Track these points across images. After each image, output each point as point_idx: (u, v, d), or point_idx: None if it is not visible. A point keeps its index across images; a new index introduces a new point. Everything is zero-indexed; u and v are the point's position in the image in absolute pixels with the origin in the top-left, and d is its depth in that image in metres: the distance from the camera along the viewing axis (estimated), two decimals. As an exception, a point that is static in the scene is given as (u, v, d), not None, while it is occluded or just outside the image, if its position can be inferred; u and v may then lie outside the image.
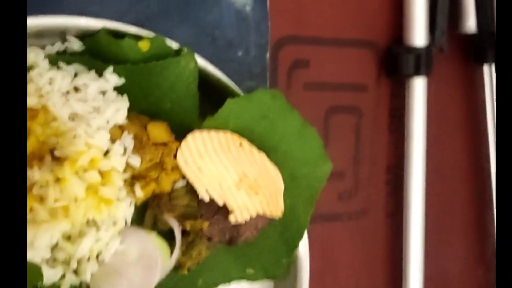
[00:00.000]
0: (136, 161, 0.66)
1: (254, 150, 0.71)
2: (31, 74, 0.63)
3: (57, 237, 0.63)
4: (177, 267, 0.72)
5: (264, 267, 0.77)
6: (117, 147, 0.65)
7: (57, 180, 0.62)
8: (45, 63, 0.64)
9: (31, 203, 0.61)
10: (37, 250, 0.63)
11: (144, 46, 0.66)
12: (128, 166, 0.66)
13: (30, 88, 0.63)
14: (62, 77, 0.64)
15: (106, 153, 0.64)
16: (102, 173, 0.64)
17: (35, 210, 0.62)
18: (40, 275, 0.61)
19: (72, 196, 0.62)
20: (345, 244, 0.90)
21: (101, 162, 0.64)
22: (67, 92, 0.64)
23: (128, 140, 0.66)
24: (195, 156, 0.69)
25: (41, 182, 0.62)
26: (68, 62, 0.65)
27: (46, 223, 0.62)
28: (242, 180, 0.71)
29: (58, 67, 0.65)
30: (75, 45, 0.67)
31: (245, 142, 0.71)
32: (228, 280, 0.76)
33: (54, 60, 0.65)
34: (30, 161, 0.62)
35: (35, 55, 0.64)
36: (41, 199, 0.62)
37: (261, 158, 0.71)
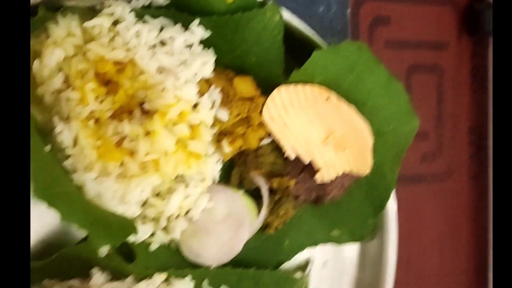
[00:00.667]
0: (224, 115, 0.65)
1: (342, 103, 0.69)
2: (118, 28, 0.62)
3: (148, 193, 0.63)
4: (264, 226, 0.71)
5: (350, 228, 0.75)
6: (205, 101, 0.64)
7: (147, 133, 0.61)
8: (131, 17, 0.63)
9: (122, 157, 0.61)
10: (128, 205, 0.62)
11: (229, -3, 0.65)
12: (215, 120, 0.65)
13: (118, 41, 0.62)
14: (149, 30, 0.63)
15: (194, 106, 0.64)
16: (191, 127, 0.63)
17: (126, 164, 0.61)
18: (133, 228, 0.60)
19: (162, 149, 0.61)
20: (429, 206, 0.88)
21: (190, 115, 0.63)
22: (154, 46, 0.63)
23: (215, 93, 0.65)
24: (281, 112, 0.68)
25: (132, 136, 0.61)
26: (154, 16, 0.64)
27: (137, 177, 0.61)
28: (329, 136, 0.69)
29: (144, 21, 0.64)
30: (161, -2, 0.66)
31: (333, 96, 0.69)
32: (314, 243, 0.75)
33: (140, 14, 0.64)
34: (120, 115, 0.62)
35: (121, 9, 0.63)
36: (132, 153, 0.61)
37: (349, 112, 0.69)
